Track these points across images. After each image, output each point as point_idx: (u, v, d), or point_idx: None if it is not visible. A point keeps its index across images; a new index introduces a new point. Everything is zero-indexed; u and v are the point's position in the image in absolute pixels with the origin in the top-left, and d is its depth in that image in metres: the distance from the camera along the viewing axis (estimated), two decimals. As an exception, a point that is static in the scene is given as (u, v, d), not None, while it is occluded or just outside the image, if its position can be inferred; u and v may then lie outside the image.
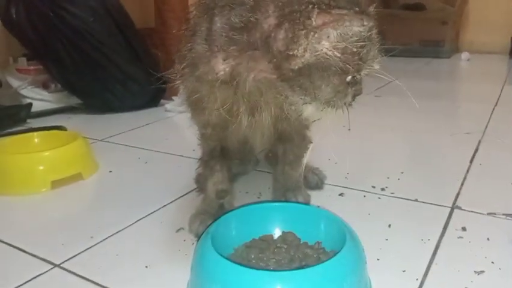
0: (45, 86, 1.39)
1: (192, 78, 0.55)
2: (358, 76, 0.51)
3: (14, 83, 1.39)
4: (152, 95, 1.41)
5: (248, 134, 0.66)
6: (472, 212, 0.68)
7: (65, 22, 1.29)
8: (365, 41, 0.47)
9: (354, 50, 0.47)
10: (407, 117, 1.26)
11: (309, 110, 0.52)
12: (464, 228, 0.63)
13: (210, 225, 0.59)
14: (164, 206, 0.74)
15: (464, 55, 2.27)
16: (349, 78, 0.49)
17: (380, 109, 1.39)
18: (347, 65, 0.47)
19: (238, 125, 0.61)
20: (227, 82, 0.51)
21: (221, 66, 0.50)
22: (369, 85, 1.73)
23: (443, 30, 2.31)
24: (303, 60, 0.45)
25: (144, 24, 1.68)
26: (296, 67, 0.46)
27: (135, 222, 0.68)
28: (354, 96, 0.53)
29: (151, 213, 0.71)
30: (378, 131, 1.13)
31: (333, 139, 1.04)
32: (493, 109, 1.27)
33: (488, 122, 1.14)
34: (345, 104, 0.53)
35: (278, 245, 0.54)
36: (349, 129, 1.13)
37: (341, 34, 0.45)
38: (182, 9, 1.45)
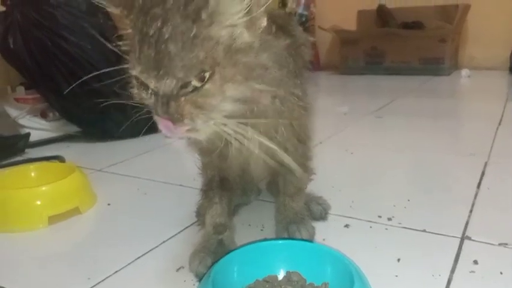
0: (43, 115, 1.38)
1: None
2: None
3: (12, 112, 1.38)
4: (152, 121, 1.40)
5: (245, 164, 0.64)
6: (483, 242, 0.66)
7: (63, 50, 1.29)
8: None
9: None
10: (410, 138, 1.24)
11: None
12: (475, 262, 0.60)
13: (210, 264, 0.58)
14: (164, 241, 0.71)
15: (465, 72, 2.27)
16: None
17: (382, 130, 1.37)
18: None
19: (225, 152, 0.58)
20: None
21: None
22: (370, 106, 1.74)
23: (442, 48, 2.32)
24: None
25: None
26: None
27: (134, 260, 0.66)
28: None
29: (151, 250, 0.69)
30: (382, 153, 1.11)
31: (336, 164, 1.04)
32: (497, 128, 1.25)
33: (493, 142, 1.12)
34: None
35: (283, 286, 0.52)
36: (352, 153, 1.13)
37: None
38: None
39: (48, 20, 1.27)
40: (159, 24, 0.42)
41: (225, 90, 0.44)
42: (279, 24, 0.56)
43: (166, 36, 0.41)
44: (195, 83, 0.43)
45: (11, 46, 1.30)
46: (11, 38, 1.30)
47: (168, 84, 0.43)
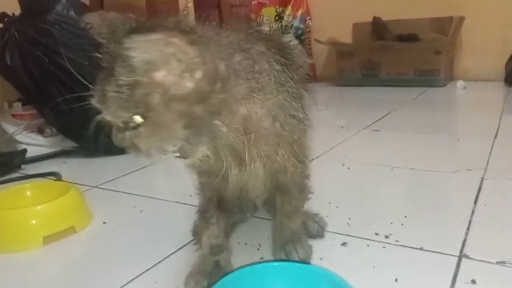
0: (40, 131, 1.38)
1: None
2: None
3: (9, 128, 1.38)
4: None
5: (243, 185, 0.64)
6: (481, 261, 0.65)
7: (60, 67, 1.29)
8: None
9: None
10: (407, 152, 1.24)
11: None
12: (473, 281, 0.60)
13: (206, 287, 0.57)
14: (159, 261, 0.71)
15: (460, 83, 2.28)
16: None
17: (379, 144, 1.37)
18: None
19: (226, 174, 0.59)
20: None
21: None
22: (366, 119, 1.72)
23: (437, 60, 2.33)
24: None
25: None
26: None
27: (129, 281, 0.65)
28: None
29: (146, 270, 0.68)
30: (378, 168, 1.11)
31: (333, 179, 1.04)
32: (493, 142, 1.25)
33: (489, 156, 1.13)
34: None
35: (279, 309, 0.51)
36: (348, 168, 1.12)
37: None
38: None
39: (45, 37, 1.28)
40: (111, 64, 0.45)
41: (159, 133, 0.47)
42: (278, 48, 0.58)
43: (111, 77, 0.44)
44: (137, 120, 0.46)
45: (8, 63, 1.30)
46: (8, 54, 1.30)
47: (110, 119, 0.47)
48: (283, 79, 0.56)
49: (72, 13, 1.32)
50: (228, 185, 0.62)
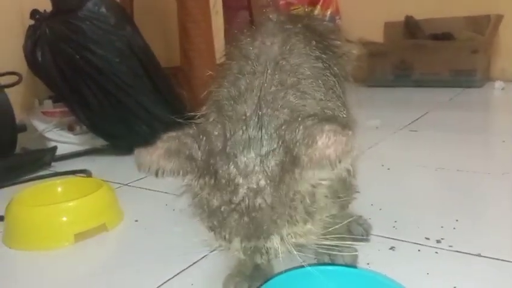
0: (70, 128, 1.37)
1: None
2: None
3: (40, 125, 1.37)
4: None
5: None
6: (548, 269, 0.59)
7: (91, 64, 1.27)
8: None
9: None
10: (449, 153, 1.18)
11: None
12: (543, 292, 0.54)
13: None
14: (194, 263, 0.67)
15: (498, 84, 2.18)
16: None
17: (418, 145, 1.30)
18: None
19: None
20: None
21: None
22: (403, 119, 1.64)
23: (474, 59, 2.23)
24: None
25: (169, 63, 1.67)
26: None
27: (163, 283, 0.62)
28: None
29: (181, 271, 0.65)
30: (420, 169, 1.05)
31: (373, 180, 0.98)
32: (543, 143, 1.17)
33: (541, 158, 1.05)
34: None
35: (330, 318, 0.47)
36: (388, 169, 1.07)
37: None
38: (207, 49, 1.43)
39: (76, 33, 1.27)
40: (251, 194, 0.41)
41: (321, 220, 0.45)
42: (319, 31, 0.54)
43: (259, 203, 0.41)
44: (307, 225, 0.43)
45: (39, 59, 1.30)
46: (39, 51, 1.30)
47: (275, 242, 0.42)
48: (324, 78, 0.52)
49: (103, 10, 1.30)
50: None
